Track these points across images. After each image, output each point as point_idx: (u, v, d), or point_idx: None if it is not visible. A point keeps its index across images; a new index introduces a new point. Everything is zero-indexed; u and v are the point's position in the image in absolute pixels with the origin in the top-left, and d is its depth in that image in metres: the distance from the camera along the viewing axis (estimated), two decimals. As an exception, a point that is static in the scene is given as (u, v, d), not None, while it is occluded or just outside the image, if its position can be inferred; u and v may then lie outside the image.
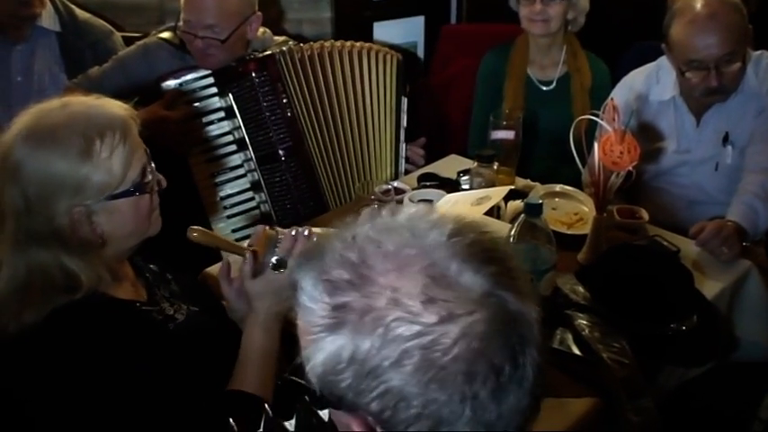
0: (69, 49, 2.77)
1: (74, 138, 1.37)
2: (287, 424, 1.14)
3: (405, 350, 0.78)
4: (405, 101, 2.52)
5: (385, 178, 2.43)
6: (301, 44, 2.46)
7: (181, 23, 2.42)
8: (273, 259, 1.52)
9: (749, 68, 2.31)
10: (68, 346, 1.35)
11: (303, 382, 0.88)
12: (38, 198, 1.36)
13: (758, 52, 2.33)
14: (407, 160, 2.57)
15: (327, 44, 2.46)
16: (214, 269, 2.03)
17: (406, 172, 2.55)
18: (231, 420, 1.24)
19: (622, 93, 2.49)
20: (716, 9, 2.20)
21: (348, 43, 2.48)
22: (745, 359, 2.10)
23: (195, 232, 1.57)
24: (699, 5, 2.23)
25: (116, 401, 1.34)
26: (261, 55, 2.40)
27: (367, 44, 2.51)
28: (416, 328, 0.78)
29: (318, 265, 0.85)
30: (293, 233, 1.55)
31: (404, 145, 2.54)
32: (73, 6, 2.85)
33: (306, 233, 1.55)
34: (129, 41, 2.88)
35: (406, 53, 3.22)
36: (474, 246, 0.83)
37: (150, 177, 1.48)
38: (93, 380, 1.34)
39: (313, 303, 0.84)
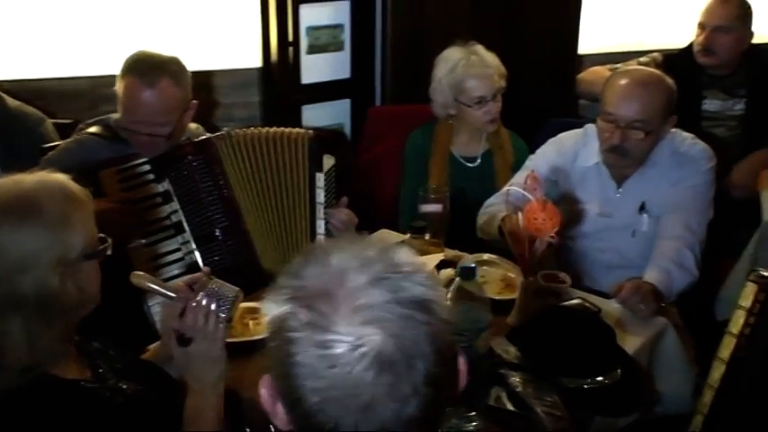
0: (2, 137, 2.78)
1: (51, 203, 1.41)
2: None
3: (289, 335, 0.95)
4: (320, 177, 2.50)
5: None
6: (236, 129, 2.53)
7: (115, 119, 2.47)
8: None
9: (664, 144, 2.49)
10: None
11: None
12: (20, 267, 1.38)
13: (674, 130, 2.51)
14: (332, 225, 2.53)
15: (254, 130, 2.52)
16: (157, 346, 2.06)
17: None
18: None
19: (551, 151, 2.64)
20: (649, 82, 2.41)
21: (265, 129, 2.52)
22: (669, 411, 2.21)
23: (136, 278, 1.65)
24: (639, 72, 2.49)
25: None
26: (197, 140, 2.46)
27: (280, 129, 2.53)
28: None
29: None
30: (194, 304, 1.61)
31: (321, 221, 2.51)
32: (3, 95, 2.88)
33: (204, 302, 1.61)
34: (61, 128, 2.92)
35: (329, 131, 3.31)
36: None
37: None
38: None
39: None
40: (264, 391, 1.02)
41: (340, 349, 0.90)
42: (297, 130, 2.56)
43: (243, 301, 1.85)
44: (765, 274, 1.66)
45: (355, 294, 0.93)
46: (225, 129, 2.56)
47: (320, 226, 2.50)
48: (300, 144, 2.50)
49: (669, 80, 2.45)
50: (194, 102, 2.51)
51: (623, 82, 2.42)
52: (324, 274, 0.96)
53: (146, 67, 2.39)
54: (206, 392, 1.60)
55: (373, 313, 0.92)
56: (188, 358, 1.61)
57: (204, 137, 2.48)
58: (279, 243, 2.49)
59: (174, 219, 2.39)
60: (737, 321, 1.63)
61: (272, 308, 0.98)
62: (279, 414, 1.00)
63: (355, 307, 0.92)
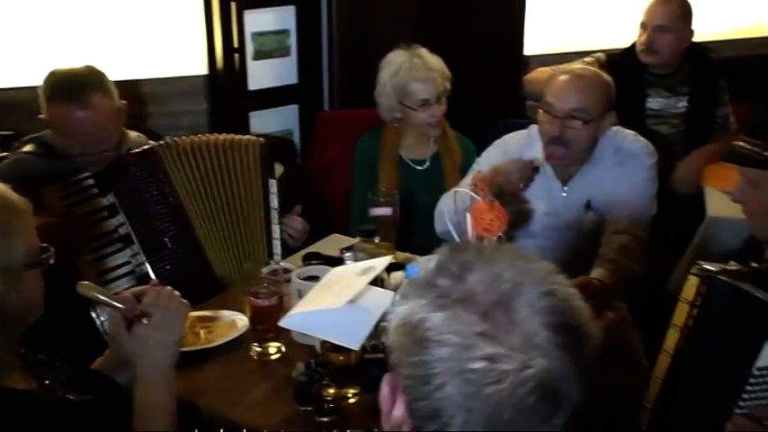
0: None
1: None
2: None
3: (448, 338, 0.88)
4: (273, 183, 2.53)
5: (263, 259, 2.47)
6: (183, 137, 2.52)
7: (49, 136, 2.43)
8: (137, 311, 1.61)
9: (605, 142, 2.54)
10: None
11: None
12: None
13: (614, 127, 2.56)
14: (286, 234, 2.58)
15: (201, 137, 2.53)
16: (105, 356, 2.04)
17: (292, 250, 2.62)
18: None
19: (496, 153, 2.66)
20: (587, 75, 2.48)
21: (213, 136, 2.55)
22: (619, 405, 2.24)
23: (82, 287, 1.63)
24: (576, 68, 2.56)
25: None
26: (139, 149, 2.45)
27: (230, 136, 2.56)
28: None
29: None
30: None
31: (276, 226, 2.54)
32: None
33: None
34: (1, 140, 2.86)
35: (278, 139, 3.32)
36: None
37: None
38: None
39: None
40: (386, 389, 0.97)
41: (509, 366, 0.86)
42: (246, 137, 2.58)
43: (195, 310, 1.84)
44: (707, 267, 1.68)
45: (530, 311, 0.89)
46: (167, 137, 2.55)
47: (275, 231, 2.52)
48: (252, 150, 2.52)
49: (607, 77, 2.51)
50: (124, 102, 2.48)
51: (562, 77, 2.49)
52: (496, 284, 0.91)
53: (71, 89, 2.34)
54: (158, 381, 1.57)
55: (545, 335, 0.88)
56: (141, 343, 1.58)
57: (146, 146, 2.46)
58: (233, 249, 2.50)
59: (121, 231, 2.37)
60: (681, 314, 1.66)
61: (422, 306, 0.91)
62: (394, 416, 0.95)
63: (529, 325, 0.88)
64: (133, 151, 2.43)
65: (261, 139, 2.60)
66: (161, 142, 2.46)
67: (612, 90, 2.49)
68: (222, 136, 2.54)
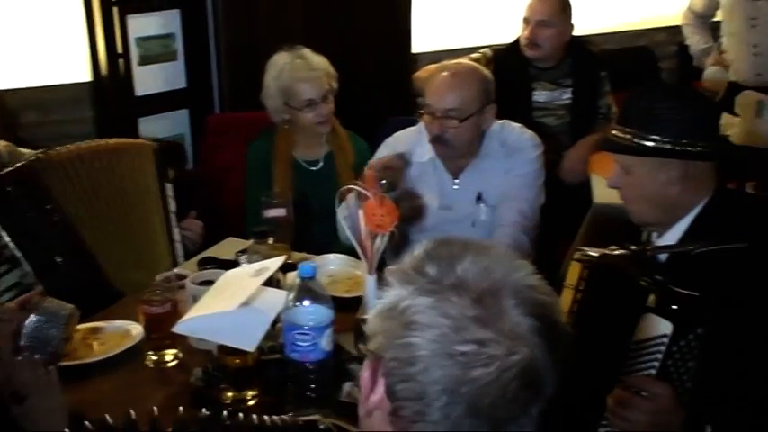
0: None
1: None
2: None
3: (438, 320, 0.91)
4: (169, 187, 2.54)
5: (165, 264, 2.45)
6: (57, 148, 2.45)
7: None
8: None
9: (493, 135, 2.60)
10: None
11: None
12: None
13: (501, 121, 2.63)
14: (186, 238, 2.59)
15: (84, 145, 2.47)
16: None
17: (187, 255, 2.59)
18: None
19: (386, 151, 2.69)
20: (461, 72, 2.54)
21: (102, 142, 2.50)
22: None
23: None
24: (452, 65, 2.59)
25: None
26: (11, 168, 2.33)
27: (121, 141, 2.53)
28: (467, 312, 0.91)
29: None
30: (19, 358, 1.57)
31: (176, 229, 2.55)
32: None
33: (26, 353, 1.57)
34: None
35: (168, 143, 3.30)
36: None
37: None
38: None
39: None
40: (366, 373, 0.98)
41: (496, 351, 0.89)
42: (140, 141, 2.55)
43: (85, 322, 1.79)
44: (589, 252, 1.74)
45: (516, 302, 0.92)
46: (40, 150, 2.46)
47: (176, 233, 2.53)
48: (145, 155, 2.49)
49: (484, 71, 2.59)
50: None
51: (440, 75, 2.55)
52: (486, 274, 0.94)
53: None
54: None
55: (529, 325, 0.91)
56: (30, 416, 1.53)
57: (19, 163, 2.36)
58: (134, 256, 2.45)
59: (6, 254, 2.28)
60: (566, 299, 1.71)
61: (411, 292, 0.94)
62: (372, 400, 0.97)
63: (515, 314, 0.91)
64: (6, 170, 2.33)
65: (154, 143, 2.58)
66: (34, 157, 2.36)
67: (490, 83, 2.56)
68: (113, 141, 2.50)
